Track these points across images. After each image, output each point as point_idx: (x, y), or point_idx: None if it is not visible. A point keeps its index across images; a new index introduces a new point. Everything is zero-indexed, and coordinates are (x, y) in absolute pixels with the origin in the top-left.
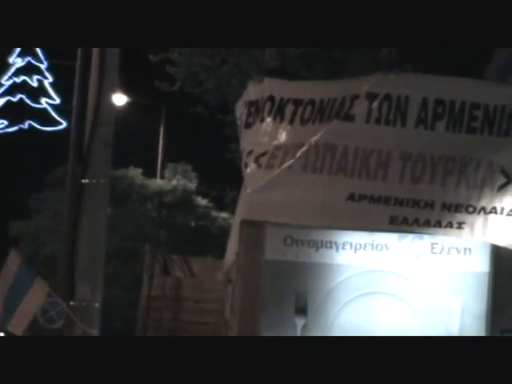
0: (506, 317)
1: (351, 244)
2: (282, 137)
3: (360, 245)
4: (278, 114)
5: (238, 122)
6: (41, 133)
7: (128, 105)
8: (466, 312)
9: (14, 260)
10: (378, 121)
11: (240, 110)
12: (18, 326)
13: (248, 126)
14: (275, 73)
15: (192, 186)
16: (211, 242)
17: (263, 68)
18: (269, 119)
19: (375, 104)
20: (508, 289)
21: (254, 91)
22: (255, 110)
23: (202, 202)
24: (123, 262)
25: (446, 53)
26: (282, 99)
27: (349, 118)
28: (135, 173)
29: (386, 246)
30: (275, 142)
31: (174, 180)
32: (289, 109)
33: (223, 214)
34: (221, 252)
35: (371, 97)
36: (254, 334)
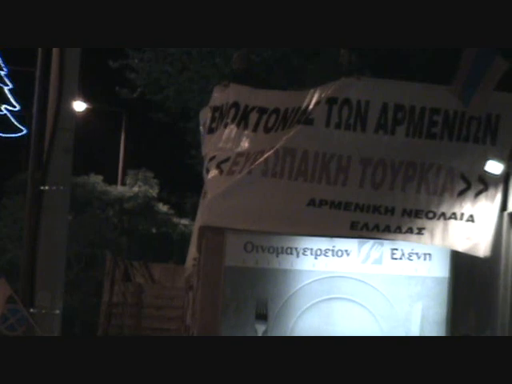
0: (465, 322)
1: (312, 250)
2: (245, 144)
3: (320, 251)
4: (242, 121)
5: (201, 128)
6: (1, 139)
7: (88, 111)
8: (427, 318)
9: None
10: (337, 125)
11: (204, 116)
12: None
13: (211, 131)
14: (240, 76)
15: (153, 192)
16: (172, 248)
17: (224, 74)
18: (232, 125)
19: (335, 108)
20: (467, 294)
21: (219, 96)
22: (219, 115)
23: (163, 208)
24: (84, 269)
25: (409, 58)
26: (246, 106)
27: (308, 122)
28: (96, 179)
29: (346, 251)
30: (238, 149)
31: (135, 187)
32: (253, 117)
33: (184, 221)
34: (182, 258)
35: (331, 101)
36: None
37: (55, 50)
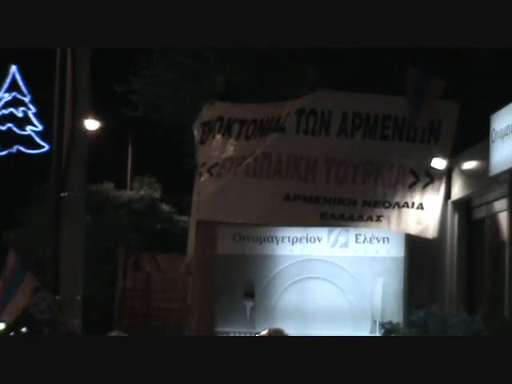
0: (419, 294)
1: (289, 238)
2: (230, 150)
3: (296, 238)
4: (226, 131)
5: (196, 140)
6: (27, 155)
7: (101, 129)
8: (387, 291)
9: (11, 258)
10: (305, 132)
11: (196, 129)
12: (11, 314)
13: (202, 142)
14: (225, 97)
15: (157, 194)
16: (174, 242)
17: (212, 93)
18: (219, 136)
19: (303, 118)
20: (420, 270)
21: (206, 113)
22: (208, 129)
23: (165, 208)
24: (101, 262)
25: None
26: (229, 119)
27: (281, 130)
28: (108, 186)
29: (318, 238)
30: (224, 155)
31: (141, 190)
32: (235, 127)
33: (183, 218)
34: (182, 249)
35: (300, 112)
36: (210, 317)
37: (69, 81)
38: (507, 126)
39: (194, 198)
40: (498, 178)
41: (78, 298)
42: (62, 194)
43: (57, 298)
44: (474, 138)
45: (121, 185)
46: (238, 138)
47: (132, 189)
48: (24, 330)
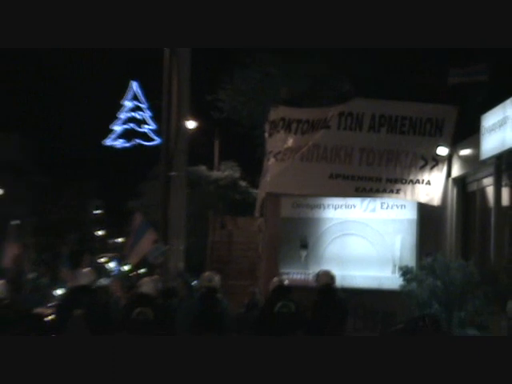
0: (428, 246)
1: (332, 205)
2: (290, 142)
3: (338, 205)
4: (287, 128)
5: (265, 134)
6: (144, 146)
7: (197, 127)
8: (404, 244)
9: (137, 217)
10: (344, 128)
11: (266, 126)
12: (134, 259)
13: (270, 135)
14: (287, 102)
15: (237, 174)
16: (249, 208)
17: (276, 100)
18: (282, 131)
19: (343, 118)
20: (428, 229)
21: (273, 114)
22: (274, 126)
23: (243, 183)
24: (197, 222)
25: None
26: (289, 119)
27: (327, 127)
28: (202, 168)
29: (353, 205)
30: (285, 146)
31: (226, 171)
32: (294, 125)
33: (256, 191)
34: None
35: (341, 114)
36: (275, 263)
37: (175, 90)
38: (493, 124)
39: (262, 177)
40: (486, 161)
41: (181, 247)
42: (169, 174)
43: (167, 246)
44: (468, 132)
45: (211, 167)
46: (295, 133)
47: (219, 170)
48: (142, 270)
